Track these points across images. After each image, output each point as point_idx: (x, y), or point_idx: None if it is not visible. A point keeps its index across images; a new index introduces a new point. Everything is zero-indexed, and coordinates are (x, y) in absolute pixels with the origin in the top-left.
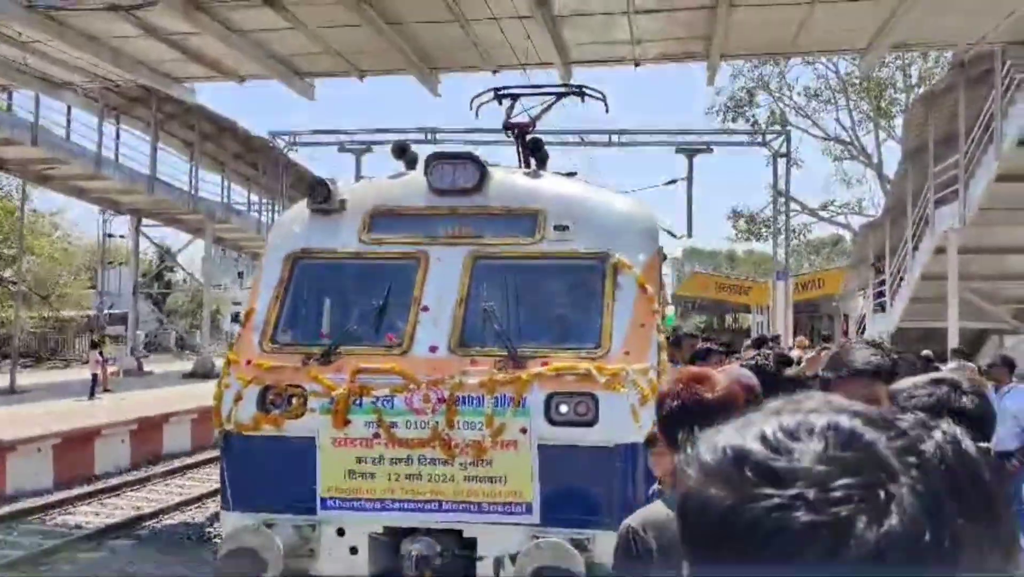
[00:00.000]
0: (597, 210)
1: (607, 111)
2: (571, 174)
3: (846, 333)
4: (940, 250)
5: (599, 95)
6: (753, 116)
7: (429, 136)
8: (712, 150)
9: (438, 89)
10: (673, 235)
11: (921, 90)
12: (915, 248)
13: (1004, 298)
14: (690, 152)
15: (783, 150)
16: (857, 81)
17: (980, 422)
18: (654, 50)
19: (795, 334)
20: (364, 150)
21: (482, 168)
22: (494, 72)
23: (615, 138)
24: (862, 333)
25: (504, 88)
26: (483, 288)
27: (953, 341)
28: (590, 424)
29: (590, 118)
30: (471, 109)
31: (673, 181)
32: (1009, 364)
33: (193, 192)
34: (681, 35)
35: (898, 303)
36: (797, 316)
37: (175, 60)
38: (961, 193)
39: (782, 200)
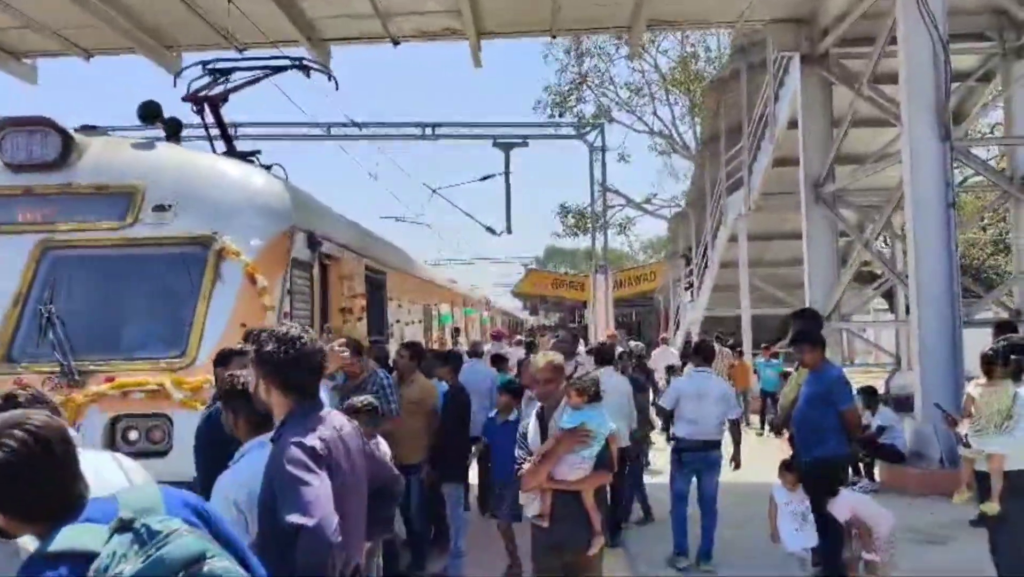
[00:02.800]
0: (207, 184)
1: (336, 88)
2: (253, 153)
3: (666, 326)
4: (734, 238)
5: (324, 70)
6: (580, 112)
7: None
8: (528, 144)
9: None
10: (492, 231)
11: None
12: (714, 237)
13: (796, 283)
14: (506, 146)
15: (600, 143)
16: (674, 75)
17: None
18: (408, 26)
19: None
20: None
21: (67, 137)
22: (241, 51)
23: (428, 131)
24: (678, 325)
25: (215, 61)
26: (51, 286)
27: (746, 328)
28: (163, 454)
29: (406, 111)
30: (174, 87)
31: (490, 176)
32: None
33: None
34: (432, 9)
35: (703, 292)
36: (630, 311)
37: None
38: (746, 179)
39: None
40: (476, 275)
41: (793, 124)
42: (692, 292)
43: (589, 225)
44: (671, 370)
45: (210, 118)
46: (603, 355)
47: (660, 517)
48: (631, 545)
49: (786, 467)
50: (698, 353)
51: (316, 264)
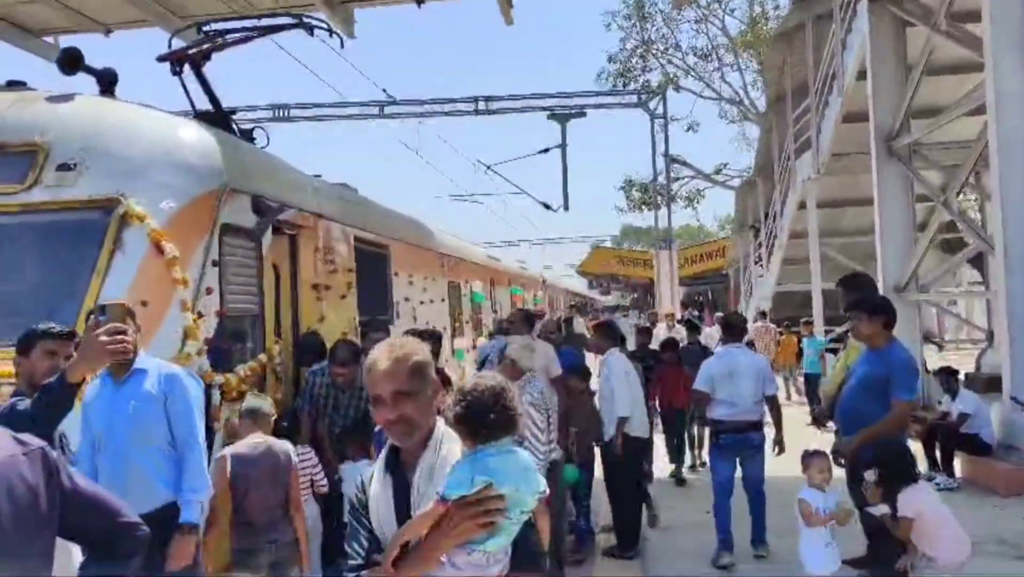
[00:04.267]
0: (117, 139)
1: (342, 46)
2: (225, 116)
3: (736, 302)
4: (803, 205)
5: (324, 26)
6: (646, 81)
7: (279, 113)
8: (585, 114)
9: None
10: (549, 207)
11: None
12: (783, 206)
13: (865, 254)
14: (563, 117)
15: (662, 112)
16: (743, 37)
17: None
18: None
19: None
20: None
21: None
22: (258, 19)
23: (482, 105)
24: (749, 301)
25: (210, 23)
26: None
27: (817, 304)
28: None
29: (452, 88)
30: (169, 47)
31: (546, 150)
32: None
33: None
34: None
35: (773, 266)
36: (705, 288)
37: None
38: (814, 139)
39: (672, 165)
40: (547, 256)
41: (863, 75)
42: (762, 266)
43: (656, 199)
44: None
45: (193, 81)
46: (731, 328)
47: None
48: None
49: (811, 457)
50: (727, 328)
51: (268, 233)
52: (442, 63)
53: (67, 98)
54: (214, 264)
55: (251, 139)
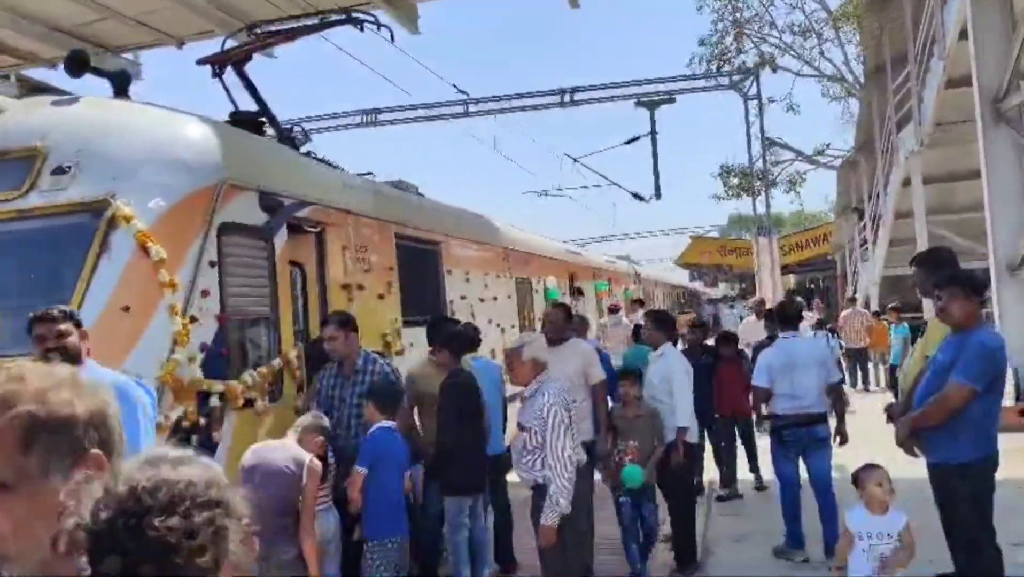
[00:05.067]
0: (110, 139)
1: (392, 40)
2: (258, 116)
3: (844, 289)
4: (907, 181)
5: (371, 19)
6: (741, 63)
7: (368, 118)
8: (675, 100)
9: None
10: (640, 197)
11: None
12: (886, 184)
13: (981, 231)
14: (651, 104)
15: (762, 94)
16: (844, 9)
17: None
18: None
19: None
20: (303, 141)
21: None
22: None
23: (567, 97)
24: (856, 288)
25: (260, 23)
26: None
27: None
28: None
29: (528, 82)
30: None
31: (635, 138)
32: None
33: None
34: None
35: (879, 249)
36: (816, 276)
37: None
38: (915, 109)
39: (769, 149)
40: (644, 249)
41: (965, 35)
42: (868, 250)
43: (752, 185)
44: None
45: (237, 81)
46: (785, 317)
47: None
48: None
49: (867, 471)
50: (779, 318)
51: (283, 231)
52: (512, 56)
53: (70, 101)
54: (212, 265)
55: (291, 140)
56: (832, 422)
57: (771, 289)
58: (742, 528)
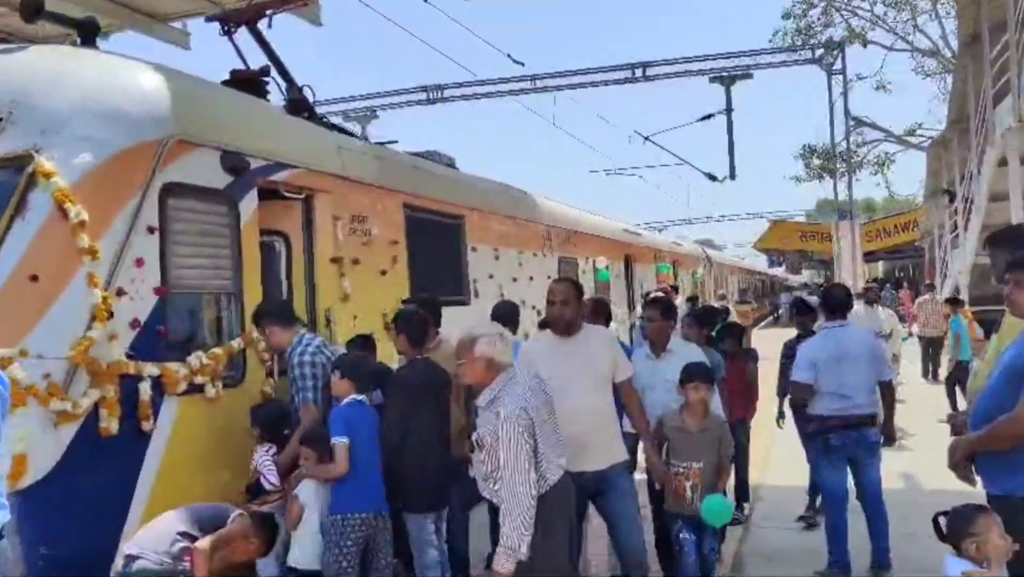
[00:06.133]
0: (45, 87)
1: None
2: (260, 74)
3: (931, 275)
4: (1004, 161)
5: None
6: (829, 38)
7: (432, 94)
8: (752, 75)
9: (320, 18)
10: (713, 178)
11: None
12: (980, 164)
13: None
14: (727, 80)
15: (841, 67)
16: None
17: None
18: None
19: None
20: (370, 116)
21: None
22: None
23: (638, 72)
24: (945, 276)
25: None
26: None
27: None
28: None
29: (598, 57)
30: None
31: (710, 116)
32: None
33: None
34: None
35: (970, 235)
36: (905, 263)
37: None
38: (1014, 81)
39: (856, 128)
40: (722, 232)
41: None
42: (959, 236)
43: (835, 167)
44: None
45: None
46: (833, 303)
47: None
48: None
49: (980, 518)
50: (828, 303)
51: (252, 195)
52: (568, 27)
53: (14, 50)
54: (150, 231)
55: (302, 103)
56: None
57: (851, 276)
58: (779, 542)
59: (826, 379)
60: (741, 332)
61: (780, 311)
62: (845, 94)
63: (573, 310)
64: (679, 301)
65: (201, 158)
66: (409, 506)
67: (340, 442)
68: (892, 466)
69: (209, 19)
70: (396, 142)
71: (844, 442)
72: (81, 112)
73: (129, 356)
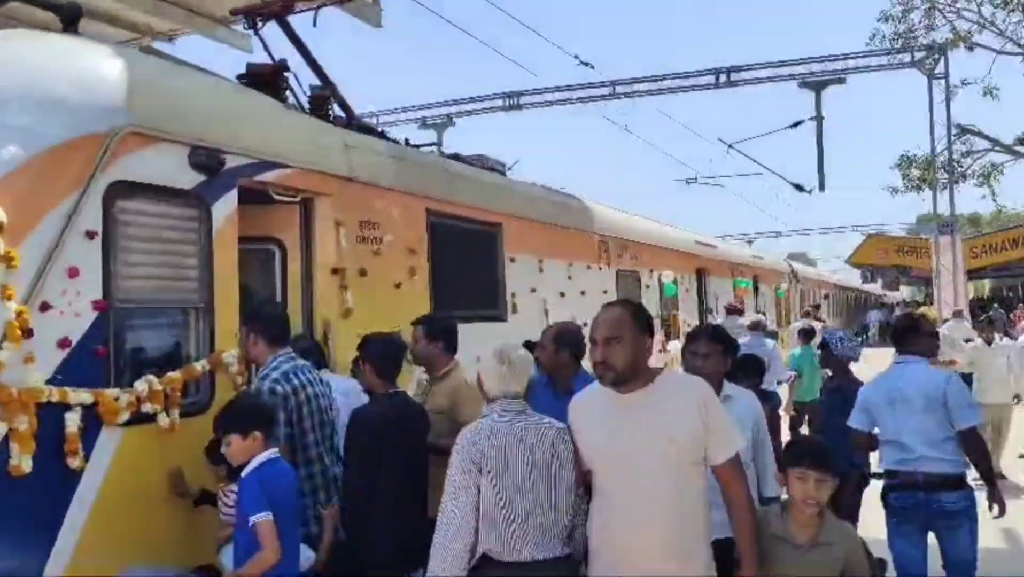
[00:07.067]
0: None
1: None
2: (278, 69)
3: None
4: None
5: None
6: (932, 42)
7: (510, 101)
8: (845, 80)
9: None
10: (801, 188)
11: None
12: None
13: None
14: (817, 85)
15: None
16: None
17: None
18: None
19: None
20: (445, 124)
21: None
22: None
23: (722, 78)
24: None
25: None
26: None
27: None
28: None
29: (671, 67)
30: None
31: (799, 123)
32: None
33: None
34: None
35: None
36: (1009, 282)
37: None
38: None
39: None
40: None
41: None
42: None
43: (935, 178)
44: None
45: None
46: (902, 334)
47: None
48: None
49: None
50: (895, 334)
51: (230, 196)
52: (643, 30)
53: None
54: (89, 236)
55: (323, 105)
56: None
57: (952, 294)
58: None
59: (883, 426)
60: (761, 368)
61: (871, 330)
62: (947, 100)
63: (630, 352)
64: (743, 321)
65: (162, 153)
66: (368, 564)
67: (263, 520)
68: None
69: (235, 12)
70: (436, 145)
71: (909, 505)
72: (16, 99)
73: (54, 381)
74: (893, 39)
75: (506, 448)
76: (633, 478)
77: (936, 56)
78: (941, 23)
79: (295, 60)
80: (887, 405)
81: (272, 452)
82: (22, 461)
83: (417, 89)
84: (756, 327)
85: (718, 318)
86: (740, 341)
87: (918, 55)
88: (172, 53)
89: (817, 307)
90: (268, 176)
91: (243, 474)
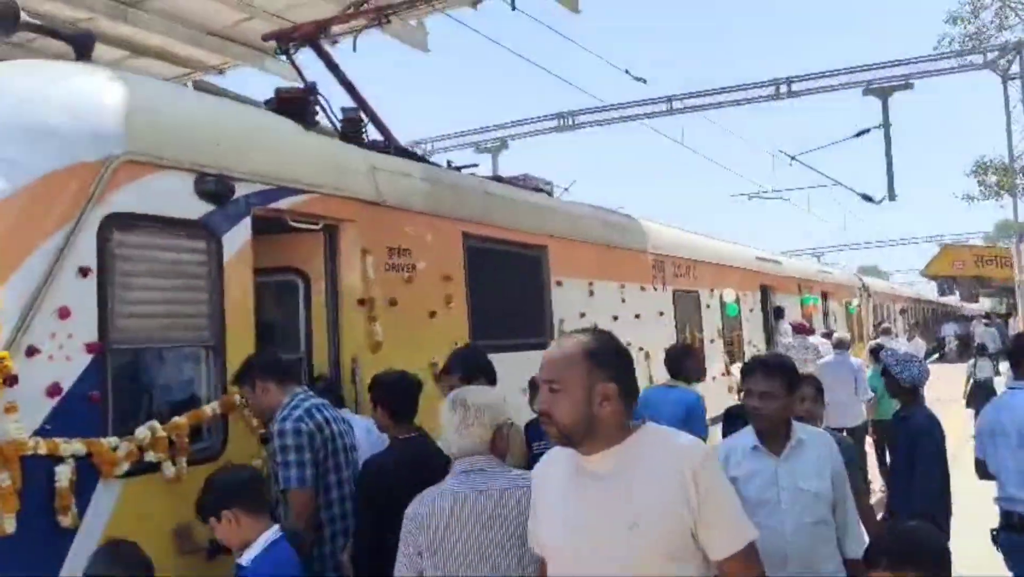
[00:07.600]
0: None
1: (513, 8)
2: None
3: None
4: None
5: None
6: (1006, 43)
7: (565, 121)
8: (912, 86)
9: (426, 43)
10: (870, 199)
11: None
12: None
13: None
14: (883, 92)
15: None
16: None
17: None
18: None
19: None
20: (500, 147)
21: None
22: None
23: (783, 88)
24: None
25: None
26: None
27: None
28: None
29: (727, 78)
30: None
31: (865, 131)
32: None
33: None
34: None
35: None
36: None
37: None
38: None
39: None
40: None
41: None
42: None
43: (1015, 183)
44: None
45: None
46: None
47: None
48: None
49: None
50: (1014, 358)
51: (243, 226)
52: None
53: None
54: (83, 273)
55: (356, 128)
56: None
57: None
58: None
59: (990, 458)
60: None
61: (948, 345)
62: None
63: (580, 403)
64: (815, 340)
65: (164, 182)
66: None
67: None
68: None
69: (266, 37)
70: (476, 166)
71: (1012, 547)
72: (4, 128)
73: (43, 432)
74: (963, 41)
75: (453, 524)
76: None
77: (1011, 56)
78: (1014, 21)
79: (336, 88)
80: (989, 436)
81: (274, 532)
82: (3, 521)
83: (469, 113)
84: (840, 345)
85: (785, 338)
86: (823, 360)
87: (990, 56)
88: (224, 86)
89: (888, 330)
90: (286, 203)
91: (240, 561)
